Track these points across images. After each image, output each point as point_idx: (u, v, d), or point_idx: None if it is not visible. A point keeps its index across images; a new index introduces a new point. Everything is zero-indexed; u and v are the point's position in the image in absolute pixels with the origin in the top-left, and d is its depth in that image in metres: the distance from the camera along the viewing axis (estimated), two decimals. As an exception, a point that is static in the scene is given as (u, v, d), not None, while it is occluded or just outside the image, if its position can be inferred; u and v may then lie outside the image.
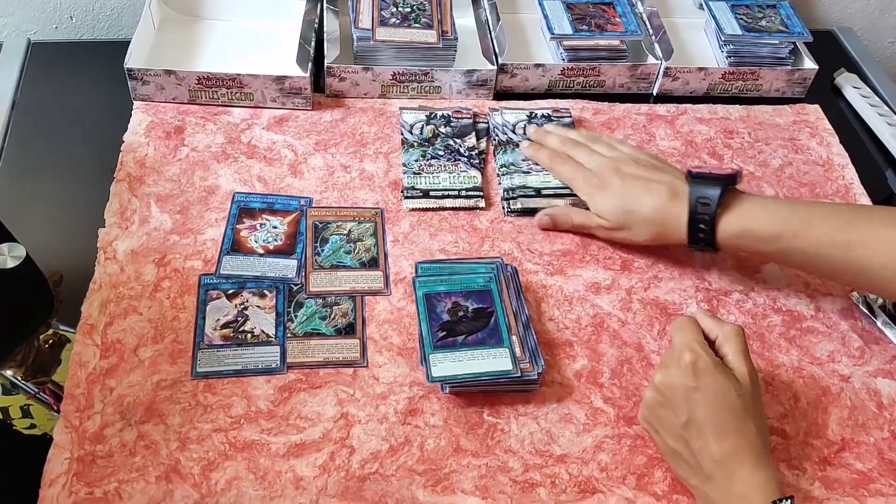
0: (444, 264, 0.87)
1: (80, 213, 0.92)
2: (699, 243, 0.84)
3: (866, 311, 0.88)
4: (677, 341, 0.73)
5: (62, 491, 0.69)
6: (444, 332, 0.79)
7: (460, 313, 0.81)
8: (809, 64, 1.13)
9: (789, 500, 0.65)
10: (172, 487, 0.70)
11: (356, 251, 0.89)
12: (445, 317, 0.81)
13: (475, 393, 0.79)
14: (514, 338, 0.79)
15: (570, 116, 1.05)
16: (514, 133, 1.02)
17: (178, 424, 0.74)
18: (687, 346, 0.72)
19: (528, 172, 0.97)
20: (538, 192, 0.95)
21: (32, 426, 0.76)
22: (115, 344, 0.79)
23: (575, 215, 0.92)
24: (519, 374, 0.77)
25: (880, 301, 0.88)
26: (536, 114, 1.05)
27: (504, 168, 0.98)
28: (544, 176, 0.97)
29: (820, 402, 0.82)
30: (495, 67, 1.07)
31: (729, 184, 0.84)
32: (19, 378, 0.78)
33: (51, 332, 0.82)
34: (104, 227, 0.89)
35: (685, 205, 0.84)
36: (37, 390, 0.78)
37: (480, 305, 0.82)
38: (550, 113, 1.05)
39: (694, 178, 0.85)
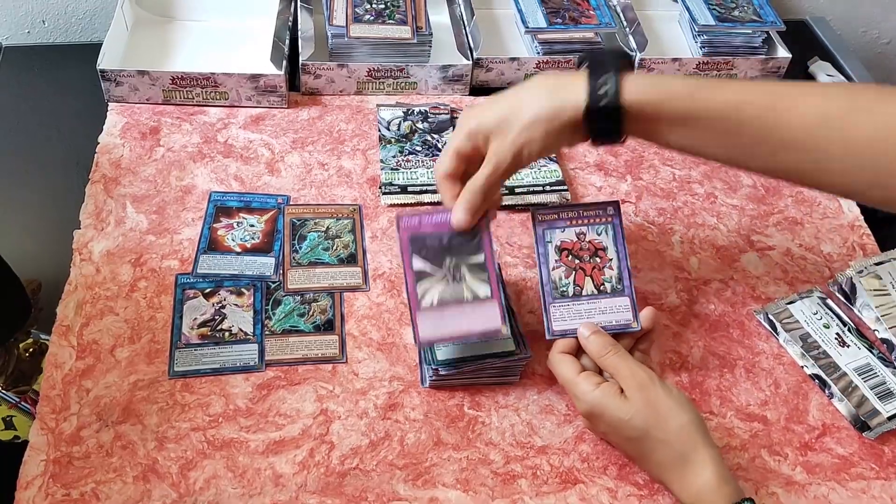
0: None
1: (56, 216, 0.91)
2: (601, 114, 0.68)
3: (769, 329, 0.87)
4: (562, 381, 0.74)
5: (38, 493, 0.68)
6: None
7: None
8: (783, 53, 1.13)
9: None
10: (150, 487, 0.70)
11: (334, 248, 0.89)
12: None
13: (456, 386, 0.78)
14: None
15: None
16: None
17: (155, 424, 0.73)
18: (571, 392, 0.73)
19: None
20: (511, 191, 0.95)
21: (16, 438, 0.75)
22: (91, 345, 0.78)
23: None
24: (521, 353, 0.77)
25: (784, 319, 0.85)
26: None
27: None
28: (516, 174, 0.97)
29: (800, 388, 0.82)
30: (471, 62, 1.07)
31: (623, 56, 0.72)
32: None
33: (31, 340, 0.81)
34: (80, 228, 0.88)
35: (580, 77, 0.69)
36: (18, 399, 0.77)
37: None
38: None
39: (582, 54, 0.73)
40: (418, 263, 0.74)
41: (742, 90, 0.68)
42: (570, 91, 0.69)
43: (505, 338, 0.76)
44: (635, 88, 0.68)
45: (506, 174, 0.72)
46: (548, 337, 0.75)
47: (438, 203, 0.94)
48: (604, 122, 0.69)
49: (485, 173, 0.72)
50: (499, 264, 0.80)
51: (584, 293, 0.76)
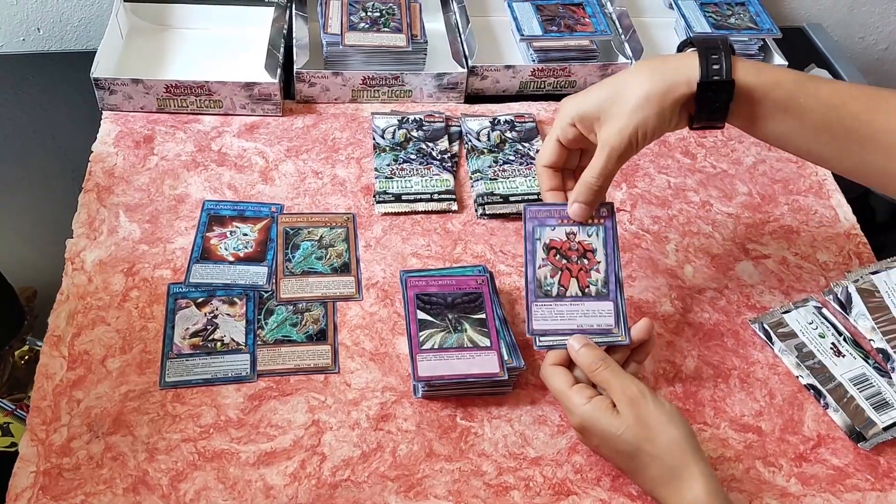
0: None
1: (49, 225, 0.91)
2: (714, 88, 0.69)
3: (764, 338, 0.86)
4: (554, 393, 0.74)
5: (28, 505, 0.68)
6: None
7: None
8: (779, 60, 1.13)
9: None
10: (140, 499, 0.69)
11: (328, 257, 0.88)
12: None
13: (448, 397, 0.78)
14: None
15: (535, 122, 1.05)
16: (479, 140, 1.02)
17: (146, 435, 0.73)
18: (563, 405, 0.73)
19: (495, 179, 0.97)
20: (506, 199, 0.95)
21: (13, 445, 0.75)
22: (82, 355, 0.78)
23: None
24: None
25: (779, 328, 0.85)
26: (500, 120, 1.04)
27: (477, 173, 0.98)
28: (510, 182, 0.96)
29: (795, 399, 0.81)
30: (466, 70, 1.06)
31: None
32: (-6, 395, 0.77)
33: (26, 347, 0.81)
34: (72, 237, 0.88)
35: (689, 57, 0.70)
36: (13, 407, 0.76)
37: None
38: (513, 119, 1.04)
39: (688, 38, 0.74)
40: (422, 315, 0.79)
41: (845, 87, 0.71)
42: (680, 68, 0.70)
43: (503, 379, 0.77)
44: (746, 69, 0.69)
45: (621, 160, 0.72)
46: (528, 335, 0.75)
47: (432, 212, 0.94)
48: (716, 97, 0.69)
49: (601, 162, 0.72)
50: (503, 315, 0.81)
51: (567, 294, 0.76)
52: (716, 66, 0.69)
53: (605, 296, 0.76)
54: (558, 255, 0.76)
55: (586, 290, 0.76)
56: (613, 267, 0.77)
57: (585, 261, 0.76)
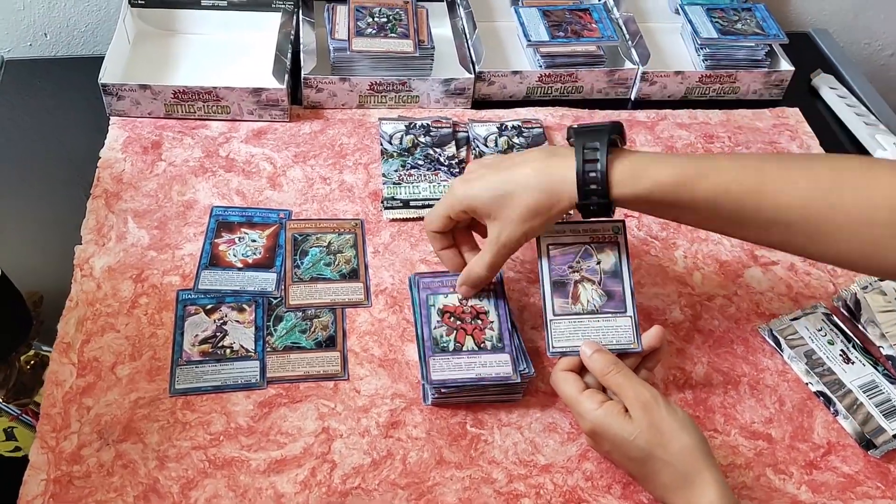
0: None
1: (57, 231, 0.91)
2: (590, 196, 0.71)
3: (773, 345, 0.86)
4: (565, 399, 0.74)
5: (38, 513, 0.68)
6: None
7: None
8: (786, 66, 1.13)
9: None
10: (151, 507, 0.69)
11: (336, 263, 0.88)
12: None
13: (458, 404, 0.78)
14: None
15: (542, 128, 1.05)
16: (486, 146, 1.02)
17: (156, 443, 0.73)
18: (574, 410, 0.72)
19: None
20: None
21: (17, 449, 0.75)
22: (91, 362, 0.78)
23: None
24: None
25: (788, 335, 0.85)
26: (507, 126, 1.04)
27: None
28: None
29: (805, 406, 0.81)
30: (473, 76, 1.06)
31: (613, 132, 0.73)
32: (1, 400, 0.77)
33: (32, 352, 0.81)
34: (81, 244, 0.88)
35: (569, 156, 0.72)
36: (19, 412, 0.76)
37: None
38: (521, 124, 1.04)
39: (575, 130, 0.74)
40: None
41: (730, 170, 0.70)
42: (561, 182, 0.72)
43: (515, 383, 0.77)
44: (622, 183, 0.71)
45: (510, 254, 0.76)
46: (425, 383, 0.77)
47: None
48: (598, 211, 0.72)
49: (489, 257, 0.76)
50: (512, 321, 0.81)
51: (464, 349, 0.78)
52: (593, 186, 0.71)
53: (500, 349, 0.78)
54: (452, 318, 0.80)
55: (482, 346, 0.78)
56: (507, 325, 0.79)
57: (479, 321, 0.80)
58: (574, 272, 0.77)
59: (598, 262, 0.77)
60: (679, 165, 0.71)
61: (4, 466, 0.74)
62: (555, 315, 0.76)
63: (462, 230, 0.81)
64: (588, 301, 0.76)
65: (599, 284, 0.76)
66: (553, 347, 0.75)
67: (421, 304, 0.80)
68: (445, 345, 0.77)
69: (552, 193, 0.72)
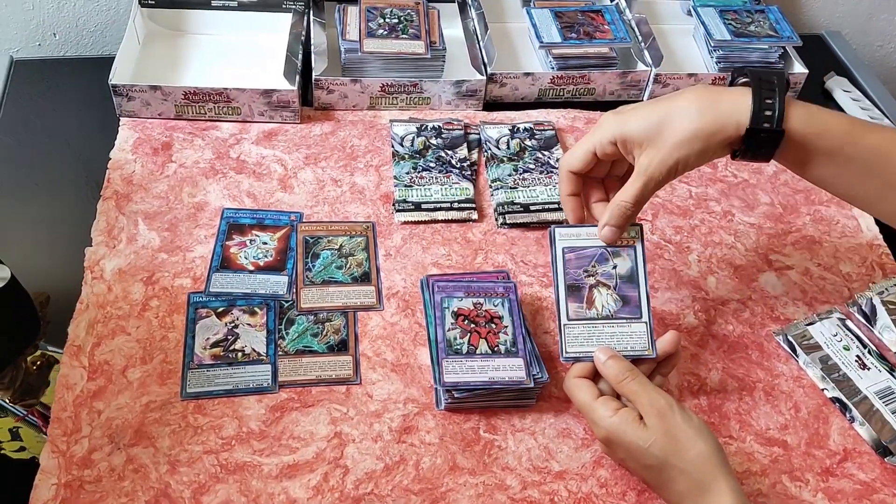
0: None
1: (67, 233, 0.90)
2: (762, 136, 0.69)
3: (788, 350, 0.85)
4: (579, 406, 0.73)
5: (50, 518, 0.68)
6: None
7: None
8: (799, 68, 1.12)
9: None
10: (163, 512, 0.69)
11: (348, 266, 0.88)
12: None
13: (472, 409, 0.77)
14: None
15: (554, 129, 1.04)
16: (498, 148, 1.01)
17: (167, 447, 0.72)
18: (588, 417, 0.72)
19: (516, 188, 0.96)
20: (526, 209, 0.94)
21: (22, 449, 0.75)
22: (102, 365, 0.77)
23: None
24: None
25: (804, 341, 0.84)
26: (519, 128, 1.03)
27: (497, 182, 0.97)
28: (531, 191, 0.96)
29: (821, 412, 0.81)
30: (484, 77, 1.06)
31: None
32: (7, 401, 0.77)
33: (38, 353, 0.80)
34: (91, 245, 0.87)
35: (734, 91, 0.70)
36: (25, 413, 0.76)
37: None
38: (532, 126, 1.04)
39: (747, 69, 0.74)
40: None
41: (892, 136, 0.70)
42: (732, 110, 0.69)
43: (528, 388, 0.76)
44: (797, 116, 0.69)
45: (656, 189, 0.72)
46: (437, 385, 0.76)
47: (451, 221, 0.93)
48: (763, 142, 0.69)
49: (637, 189, 0.72)
50: (526, 326, 0.80)
51: (478, 352, 0.77)
52: (768, 113, 0.68)
53: (514, 353, 0.77)
54: (466, 321, 0.79)
55: (496, 349, 0.77)
56: (521, 330, 0.79)
57: (493, 325, 0.79)
58: (589, 276, 0.76)
59: (615, 267, 0.76)
60: (848, 118, 0.71)
61: (10, 467, 0.73)
62: (569, 320, 0.75)
63: (593, 181, 0.78)
64: (603, 306, 0.75)
65: (615, 289, 0.76)
66: (566, 353, 0.74)
67: (435, 306, 0.79)
68: (459, 347, 0.77)
69: (717, 120, 0.69)
